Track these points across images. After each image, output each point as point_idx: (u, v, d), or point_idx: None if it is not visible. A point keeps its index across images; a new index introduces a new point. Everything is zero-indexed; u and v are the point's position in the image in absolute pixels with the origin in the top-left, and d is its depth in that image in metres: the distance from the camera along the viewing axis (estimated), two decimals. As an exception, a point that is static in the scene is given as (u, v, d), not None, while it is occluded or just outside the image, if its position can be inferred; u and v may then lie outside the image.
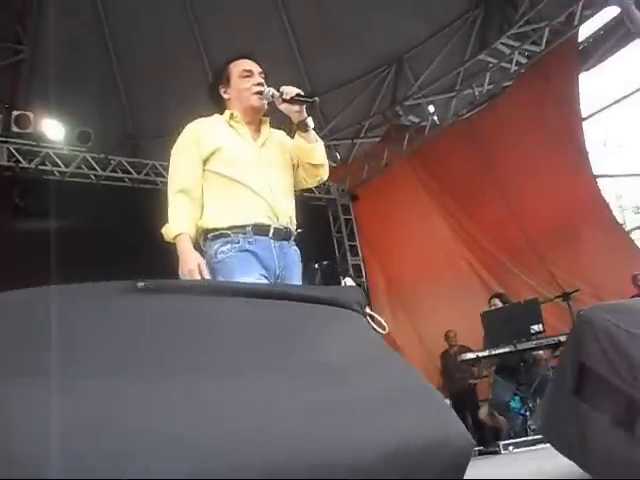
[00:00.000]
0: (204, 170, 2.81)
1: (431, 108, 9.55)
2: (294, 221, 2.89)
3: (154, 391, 0.91)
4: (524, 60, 8.74)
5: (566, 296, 6.80)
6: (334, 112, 9.71)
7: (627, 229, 16.68)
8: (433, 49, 9.15)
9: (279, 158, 2.94)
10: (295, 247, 2.88)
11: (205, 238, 2.79)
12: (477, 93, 9.05)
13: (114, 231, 8.08)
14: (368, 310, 1.46)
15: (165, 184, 8.71)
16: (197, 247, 2.75)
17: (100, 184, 9.19)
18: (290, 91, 2.79)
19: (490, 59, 8.87)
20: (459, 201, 9.69)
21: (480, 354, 6.03)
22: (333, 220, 10.87)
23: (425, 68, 9.33)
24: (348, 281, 3.24)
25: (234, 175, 2.77)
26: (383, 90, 9.85)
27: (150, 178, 9.48)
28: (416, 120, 9.59)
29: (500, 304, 7.04)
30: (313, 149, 2.89)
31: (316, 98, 2.83)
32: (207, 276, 2.55)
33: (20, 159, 8.46)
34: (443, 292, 9.15)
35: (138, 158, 9.50)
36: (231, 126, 2.91)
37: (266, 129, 2.99)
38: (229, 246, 2.67)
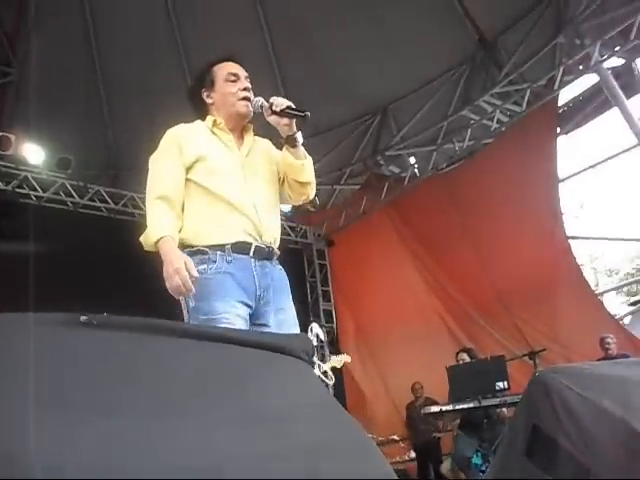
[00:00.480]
0: (185, 179, 2.60)
1: (412, 160, 9.69)
2: (277, 241, 2.69)
3: (78, 428, 0.89)
4: (505, 119, 8.95)
5: (532, 355, 6.81)
6: (316, 157, 9.74)
7: (600, 291, 16.89)
8: (417, 102, 9.31)
9: (265, 170, 2.75)
10: (280, 267, 2.69)
11: (182, 251, 2.56)
12: (457, 148, 9.21)
13: (87, 259, 8.03)
14: (316, 360, 1.44)
15: (143, 216, 8.66)
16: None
17: (77, 211, 9.17)
18: (280, 103, 2.60)
19: (472, 115, 9.06)
20: (433, 253, 9.74)
21: (444, 408, 5.99)
22: (308, 264, 10.90)
23: (408, 120, 9.48)
24: (315, 327, 3.14)
25: (216, 189, 2.56)
26: (366, 139, 9.99)
27: (128, 209, 9.47)
28: (396, 170, 9.71)
29: (468, 359, 7.04)
30: (302, 166, 2.70)
31: (307, 113, 2.59)
32: (195, 274, 2.35)
33: (-2, 180, 8.42)
34: (412, 343, 9.14)
35: (117, 189, 9.49)
36: (214, 133, 2.71)
37: (250, 137, 2.79)
38: (205, 266, 2.46)
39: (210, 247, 2.50)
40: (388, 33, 8.62)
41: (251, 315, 2.51)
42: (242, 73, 2.76)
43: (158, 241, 2.42)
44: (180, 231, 2.54)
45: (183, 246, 2.50)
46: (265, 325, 2.54)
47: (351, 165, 10.07)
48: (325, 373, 1.66)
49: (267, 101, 2.65)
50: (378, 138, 9.92)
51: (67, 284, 7.24)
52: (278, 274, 2.65)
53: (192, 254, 2.48)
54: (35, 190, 8.79)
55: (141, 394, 1.06)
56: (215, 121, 2.71)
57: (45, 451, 0.81)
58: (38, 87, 7.83)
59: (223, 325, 2.35)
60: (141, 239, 2.53)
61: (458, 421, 6.50)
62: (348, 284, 10.37)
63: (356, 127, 10.00)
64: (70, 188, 9.02)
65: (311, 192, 2.81)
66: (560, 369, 2.19)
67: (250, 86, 2.74)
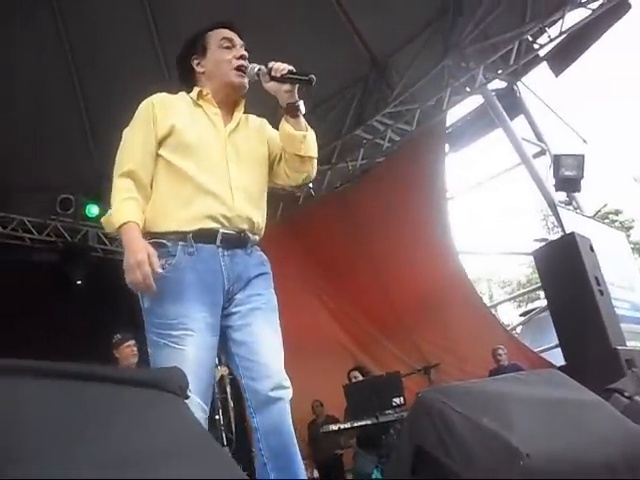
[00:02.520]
0: (157, 154, 2.33)
1: (305, 179, 9.74)
2: (259, 226, 2.43)
3: None
4: (397, 138, 9.17)
5: (427, 369, 6.98)
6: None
7: (495, 302, 17.49)
8: (310, 122, 9.38)
9: (250, 149, 2.48)
10: (259, 252, 2.42)
11: None
12: (351, 167, 9.37)
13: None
14: (191, 394, 1.43)
15: (33, 241, 8.31)
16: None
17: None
18: (281, 67, 2.34)
19: (365, 135, 9.24)
20: (329, 273, 9.80)
21: (342, 426, 6.05)
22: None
23: (303, 140, 9.56)
24: None
25: (187, 168, 2.29)
26: (259, 157, 9.97)
27: (17, 234, 9.11)
28: (291, 190, 9.75)
29: (360, 376, 7.16)
30: (303, 138, 2.42)
31: (312, 76, 2.31)
32: (158, 269, 2.10)
33: None
34: (310, 363, 9.13)
35: (4, 212, 9.10)
36: (198, 105, 2.45)
37: (239, 113, 2.53)
38: (163, 261, 2.17)
39: (169, 236, 2.24)
40: (275, 52, 8.65)
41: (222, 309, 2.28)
42: (238, 40, 2.51)
43: (121, 226, 2.19)
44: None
45: (143, 232, 2.24)
46: (233, 314, 2.29)
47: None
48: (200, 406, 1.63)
49: (265, 66, 2.41)
50: (272, 158, 9.93)
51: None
52: (254, 260, 2.39)
53: (150, 246, 2.20)
54: None
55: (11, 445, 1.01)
56: (201, 92, 2.46)
57: None
58: None
59: (178, 332, 2.14)
60: (103, 220, 2.35)
61: (354, 439, 6.57)
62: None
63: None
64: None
65: (312, 170, 2.54)
66: (441, 389, 2.26)
67: (247, 54, 2.49)
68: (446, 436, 2.01)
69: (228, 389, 8.20)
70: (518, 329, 13.37)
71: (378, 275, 9.49)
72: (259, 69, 2.42)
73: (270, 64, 2.39)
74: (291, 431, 2.25)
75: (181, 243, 2.23)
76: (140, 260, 2.08)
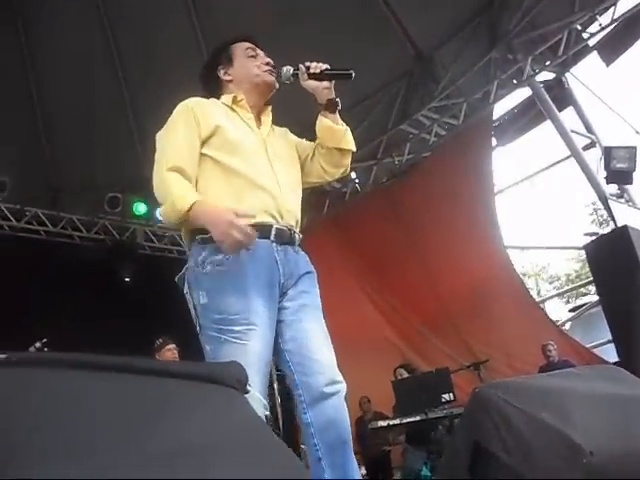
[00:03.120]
0: (200, 154, 2.32)
1: (353, 175, 9.73)
2: (299, 224, 2.45)
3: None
4: (443, 132, 9.08)
5: (476, 365, 6.91)
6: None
7: (542, 298, 17.21)
8: (356, 118, 9.35)
9: (286, 152, 2.54)
10: (304, 253, 2.44)
11: (191, 239, 2.28)
12: (397, 162, 9.31)
13: (25, 283, 7.84)
14: (250, 388, 1.42)
15: (82, 239, 8.48)
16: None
17: (15, 235, 8.96)
18: (318, 65, 2.43)
19: (411, 129, 9.16)
20: (376, 269, 9.77)
21: (391, 422, 6.02)
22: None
23: (348, 136, 9.52)
24: None
25: (236, 165, 2.29)
26: (306, 154, 9.99)
27: (66, 232, 9.29)
28: (337, 186, 9.73)
29: (405, 374, 7.12)
30: (345, 131, 2.52)
31: (351, 71, 2.39)
32: (248, 230, 2.08)
33: None
34: (358, 359, 9.09)
35: (56, 211, 9.31)
36: (234, 111, 2.47)
37: (268, 118, 2.59)
38: (221, 256, 2.16)
39: None
40: (325, 49, 8.66)
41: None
42: (260, 51, 2.59)
43: (191, 207, 2.13)
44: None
45: (193, 232, 2.25)
46: (284, 309, 2.29)
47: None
48: (260, 401, 1.64)
49: (303, 65, 2.48)
50: (318, 153, 9.94)
51: (6, 308, 7.05)
52: (302, 260, 2.40)
53: (204, 242, 2.20)
54: (-31, 214, 8.58)
55: (61, 435, 1.01)
56: (235, 97, 2.48)
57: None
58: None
59: (240, 327, 2.13)
60: (161, 213, 2.25)
61: (403, 435, 6.54)
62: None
63: (296, 144, 10.00)
64: (6, 211, 8.81)
65: (348, 164, 2.63)
66: (498, 384, 2.22)
67: (272, 61, 2.55)
68: (504, 432, 1.97)
69: (275, 385, 8.23)
70: (567, 325, 13.13)
71: (426, 271, 9.44)
72: (296, 69, 2.48)
73: (307, 63, 2.46)
74: (348, 426, 2.24)
75: None
76: (229, 220, 2.07)
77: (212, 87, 2.59)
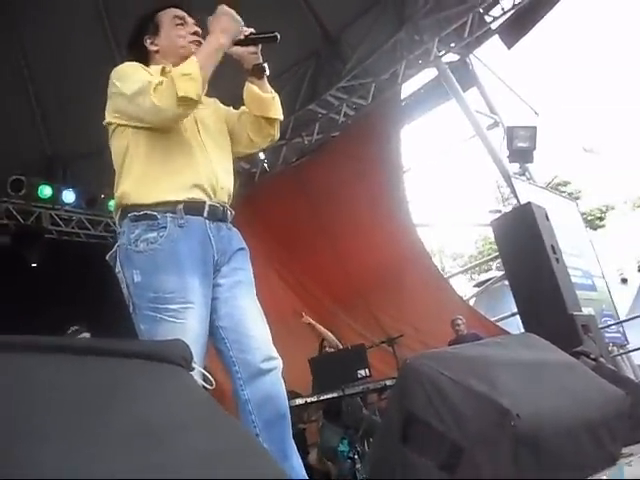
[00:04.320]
0: (136, 128, 2.22)
1: (261, 155, 9.69)
2: (231, 199, 2.42)
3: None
4: (352, 112, 9.15)
5: (390, 341, 7.05)
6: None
7: (447, 275, 17.71)
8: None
9: (216, 124, 2.47)
10: (236, 230, 2.41)
11: (123, 217, 2.22)
12: (306, 142, 9.33)
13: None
14: (195, 365, 1.40)
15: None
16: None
17: None
18: (242, 30, 2.31)
19: (319, 110, 9.19)
20: (288, 248, 9.78)
21: (309, 400, 6.06)
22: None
23: (256, 116, 9.45)
24: None
25: (172, 139, 2.24)
26: (213, 135, 9.86)
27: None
28: (246, 166, 9.66)
29: (330, 346, 7.19)
30: (272, 99, 2.45)
31: (277, 33, 2.30)
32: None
33: None
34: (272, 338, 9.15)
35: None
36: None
37: None
38: (155, 234, 2.14)
39: (159, 208, 2.17)
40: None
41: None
42: (190, 19, 2.49)
43: (194, 82, 2.09)
44: (118, 189, 2.24)
45: (125, 207, 2.20)
46: (219, 286, 2.27)
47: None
48: (205, 378, 1.61)
49: None
50: (226, 135, 9.84)
51: None
52: (235, 237, 2.38)
53: (137, 219, 2.17)
54: None
55: (11, 417, 0.98)
56: (164, 69, 2.33)
57: None
58: None
59: (177, 305, 2.10)
60: (183, 93, 2.08)
61: (321, 412, 6.60)
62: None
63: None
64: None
65: (277, 132, 2.56)
66: (429, 355, 2.27)
67: (200, 30, 2.44)
68: (437, 401, 2.02)
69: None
70: (472, 300, 13.60)
71: (336, 249, 9.53)
72: None
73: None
74: (285, 401, 2.27)
75: (170, 215, 2.18)
76: (225, 10, 2.20)
77: (138, 56, 2.46)
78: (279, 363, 2.30)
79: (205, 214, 2.25)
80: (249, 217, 9.72)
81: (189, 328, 2.10)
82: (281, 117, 2.52)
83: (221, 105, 2.62)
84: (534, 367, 2.41)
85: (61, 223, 9.28)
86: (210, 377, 1.65)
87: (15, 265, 8.28)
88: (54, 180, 8.79)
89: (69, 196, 8.81)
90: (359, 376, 5.99)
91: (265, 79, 2.44)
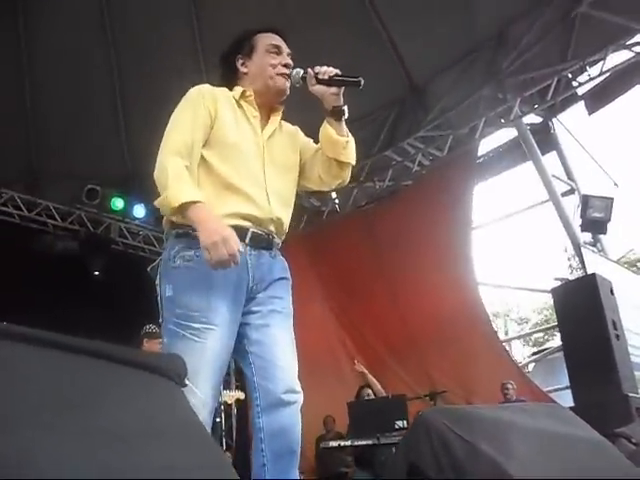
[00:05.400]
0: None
1: (333, 194, 9.78)
2: (286, 229, 2.46)
3: None
4: (426, 162, 9.16)
5: (433, 395, 6.93)
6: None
7: (508, 338, 17.31)
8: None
9: (284, 155, 2.49)
10: (282, 258, 2.44)
11: (169, 232, 2.29)
12: (378, 187, 9.38)
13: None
14: (188, 382, 1.42)
15: (56, 228, 8.43)
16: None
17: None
18: (328, 70, 2.36)
19: (395, 156, 9.23)
20: (348, 290, 9.77)
21: (342, 443, 6.01)
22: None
23: (332, 155, 9.54)
24: None
25: (225, 172, 2.28)
26: (289, 170, 10.00)
27: (41, 218, 9.25)
28: (317, 204, 9.77)
29: (373, 395, 7.10)
30: (346, 143, 2.44)
31: (360, 78, 2.33)
32: (241, 248, 2.07)
33: None
34: (321, 377, 9.09)
35: (32, 196, 9.25)
36: (240, 106, 2.43)
37: (277, 118, 2.54)
38: (191, 252, 2.18)
39: None
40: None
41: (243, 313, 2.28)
42: (285, 48, 2.52)
43: (188, 205, 2.10)
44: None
45: (172, 224, 2.27)
46: (252, 313, 2.30)
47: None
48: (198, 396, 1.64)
49: (312, 70, 2.42)
50: (300, 171, 9.97)
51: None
52: (278, 265, 2.39)
53: (179, 236, 2.23)
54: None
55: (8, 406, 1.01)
56: (244, 92, 2.44)
57: None
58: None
59: (199, 325, 2.13)
60: (158, 202, 2.18)
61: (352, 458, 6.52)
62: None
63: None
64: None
65: (347, 176, 2.55)
66: (444, 410, 2.24)
67: (292, 63, 2.49)
68: (442, 457, 1.99)
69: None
70: (530, 367, 13.24)
71: (395, 297, 9.46)
72: (305, 72, 2.43)
73: (317, 68, 2.40)
74: (299, 437, 2.24)
75: None
76: (225, 236, 2.04)
77: (228, 74, 2.55)
78: (300, 398, 2.28)
79: (247, 240, 2.27)
80: (312, 254, 9.81)
81: (208, 348, 2.13)
82: (353, 162, 2.51)
83: (301, 135, 2.64)
84: (553, 439, 2.32)
85: (129, 236, 9.58)
86: (209, 400, 1.67)
87: (79, 271, 8.56)
88: (128, 194, 9.08)
89: (140, 211, 9.09)
90: (396, 427, 5.89)
91: (343, 122, 2.44)
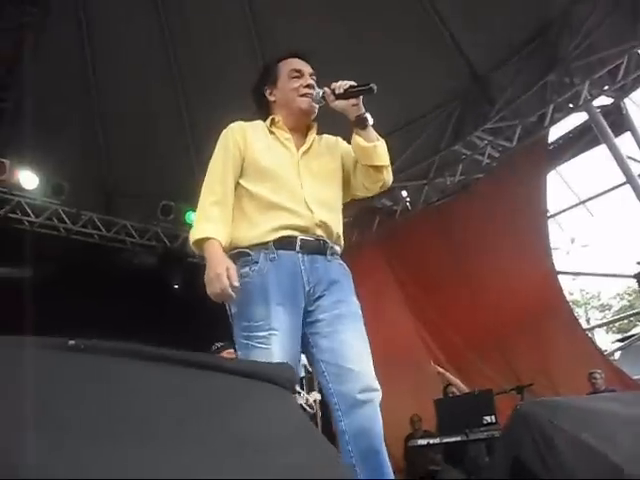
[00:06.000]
0: (237, 183, 2.50)
1: (404, 193, 9.75)
2: (337, 235, 2.54)
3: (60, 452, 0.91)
4: (496, 154, 9.04)
5: (520, 389, 6.82)
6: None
7: (590, 325, 16.86)
8: (409, 136, 9.38)
9: (323, 167, 2.60)
10: (339, 261, 2.51)
11: (227, 254, 2.43)
12: (449, 182, 9.31)
13: (79, 284, 8.05)
14: (298, 389, 1.47)
15: (135, 245, 8.69)
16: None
17: (69, 237, 9.24)
18: (342, 84, 2.47)
19: (464, 150, 9.15)
20: (424, 287, 9.74)
21: (430, 441, 5.99)
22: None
23: (400, 154, 9.51)
24: (302, 358, 3.09)
25: (264, 193, 2.44)
26: (358, 172, 10.01)
27: (119, 237, 9.54)
28: (388, 204, 9.76)
29: (457, 392, 7.06)
30: (374, 148, 2.51)
31: (373, 85, 2.41)
32: (236, 283, 2.21)
33: (-10, 205, 8.54)
34: (403, 377, 9.06)
35: (110, 216, 9.56)
36: (272, 133, 2.60)
37: (312, 135, 2.66)
38: (247, 269, 2.34)
39: (252, 247, 2.38)
40: (380, 68, 8.73)
41: (306, 312, 2.37)
42: (307, 69, 2.64)
43: (203, 241, 2.33)
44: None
45: (229, 249, 2.41)
46: (319, 321, 2.37)
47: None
48: (308, 403, 1.68)
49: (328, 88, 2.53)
50: (370, 171, 9.96)
51: (59, 309, 7.22)
52: (335, 268, 2.48)
53: (236, 256, 2.38)
54: (28, 215, 8.87)
55: (121, 419, 1.07)
56: (274, 119, 2.61)
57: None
58: (33, 113, 7.90)
59: (264, 332, 2.25)
60: (190, 236, 2.42)
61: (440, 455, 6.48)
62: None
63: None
64: (63, 214, 9.08)
65: (387, 177, 2.60)
66: (542, 402, 2.21)
67: (313, 82, 2.61)
68: (545, 449, 1.97)
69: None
70: (616, 355, 12.87)
71: (473, 291, 9.37)
72: (323, 92, 2.53)
73: (332, 85, 2.50)
74: (381, 434, 2.27)
75: (264, 251, 2.37)
76: (219, 273, 2.19)
77: (261, 105, 2.71)
78: (378, 395, 2.30)
79: (297, 248, 2.39)
80: (387, 253, 9.82)
81: (273, 353, 2.22)
82: (385, 163, 2.56)
83: (342, 145, 2.72)
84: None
85: (205, 249, 9.75)
86: (311, 401, 1.71)
87: (159, 285, 8.79)
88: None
89: (213, 224, 9.25)
90: (485, 422, 5.84)
91: (369, 128, 2.52)
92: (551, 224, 9.65)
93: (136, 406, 1.10)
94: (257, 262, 2.35)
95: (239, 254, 2.38)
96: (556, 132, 9.42)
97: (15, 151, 8.51)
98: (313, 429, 1.29)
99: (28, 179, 8.64)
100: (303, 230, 2.41)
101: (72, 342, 1.18)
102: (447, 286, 9.53)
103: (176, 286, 9.19)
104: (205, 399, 1.20)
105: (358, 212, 10.01)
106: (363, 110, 2.49)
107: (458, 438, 5.78)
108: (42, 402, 0.98)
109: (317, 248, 2.43)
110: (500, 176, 8.99)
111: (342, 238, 2.59)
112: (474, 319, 9.38)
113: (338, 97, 2.48)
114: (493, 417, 5.84)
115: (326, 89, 2.52)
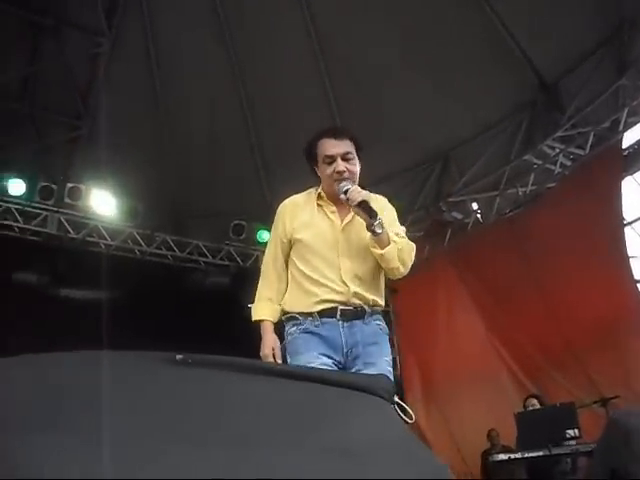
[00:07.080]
0: (290, 256, 2.95)
1: (475, 205, 9.65)
2: (375, 302, 2.88)
3: (175, 455, 0.95)
4: (568, 162, 8.87)
5: (604, 402, 6.60)
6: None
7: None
8: (479, 147, 9.30)
9: (362, 241, 2.86)
10: (376, 322, 2.87)
11: (282, 318, 2.95)
12: (521, 193, 9.16)
13: (154, 305, 8.24)
14: (397, 399, 1.48)
15: (208, 265, 8.80)
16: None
17: (144, 259, 9.46)
18: (355, 198, 2.73)
19: (535, 160, 9.01)
20: (498, 299, 9.59)
21: (512, 456, 5.85)
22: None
23: (471, 165, 9.43)
24: None
25: (307, 268, 2.86)
26: (428, 185, 9.97)
27: (192, 257, 9.71)
28: (459, 216, 9.67)
29: (538, 405, 6.89)
30: (381, 256, 2.80)
31: (380, 218, 2.72)
32: (279, 360, 2.74)
33: (69, 229, 8.80)
34: (478, 390, 8.96)
35: (182, 237, 9.76)
36: (319, 205, 2.96)
37: None
38: (295, 328, 2.82)
39: (300, 314, 2.82)
40: (449, 79, 8.71)
41: (341, 368, 2.74)
42: (338, 151, 2.88)
43: (258, 321, 2.92)
44: (283, 298, 2.96)
45: (283, 313, 2.92)
46: None
47: (413, 212, 9.97)
48: (405, 412, 1.66)
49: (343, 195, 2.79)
50: (440, 184, 9.90)
51: (135, 328, 7.41)
52: (370, 330, 2.84)
53: (287, 320, 2.88)
54: (104, 239, 9.13)
55: (231, 427, 1.11)
56: (320, 194, 2.97)
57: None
58: (107, 139, 8.18)
59: None
60: (252, 306, 3.02)
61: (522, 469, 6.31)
62: (412, 332, 10.25)
63: (418, 174, 10.00)
64: (138, 236, 9.32)
65: (398, 273, 2.88)
66: (635, 412, 2.15)
67: (343, 169, 2.85)
68: (644, 460, 1.91)
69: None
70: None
71: (548, 303, 9.16)
72: (345, 190, 2.79)
73: (349, 193, 2.76)
74: None
75: (310, 318, 2.81)
76: (266, 354, 2.80)
77: (313, 172, 3.02)
78: None
79: (338, 316, 2.80)
80: (459, 266, 9.72)
81: None
82: (395, 265, 2.82)
83: (388, 211, 3.02)
84: None
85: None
86: (410, 411, 1.71)
87: (231, 305, 8.88)
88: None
89: (285, 240, 9.33)
90: (568, 436, 5.68)
91: (381, 236, 2.76)
92: (628, 232, 9.32)
93: (243, 415, 1.14)
94: (303, 325, 2.82)
95: (290, 318, 2.87)
96: (631, 137, 9.15)
97: (90, 176, 8.81)
98: (415, 439, 1.29)
99: (104, 203, 8.91)
100: (342, 302, 2.80)
101: (180, 356, 1.26)
102: (520, 297, 9.36)
103: (249, 306, 9.28)
104: (307, 408, 1.22)
105: (430, 226, 9.96)
106: (370, 221, 2.72)
107: (541, 453, 5.63)
108: (157, 411, 1.03)
109: (355, 315, 2.81)
110: (573, 184, 8.81)
111: (382, 302, 2.92)
112: (549, 331, 9.18)
113: (350, 206, 2.78)
114: (577, 431, 5.67)
115: (342, 196, 2.79)
